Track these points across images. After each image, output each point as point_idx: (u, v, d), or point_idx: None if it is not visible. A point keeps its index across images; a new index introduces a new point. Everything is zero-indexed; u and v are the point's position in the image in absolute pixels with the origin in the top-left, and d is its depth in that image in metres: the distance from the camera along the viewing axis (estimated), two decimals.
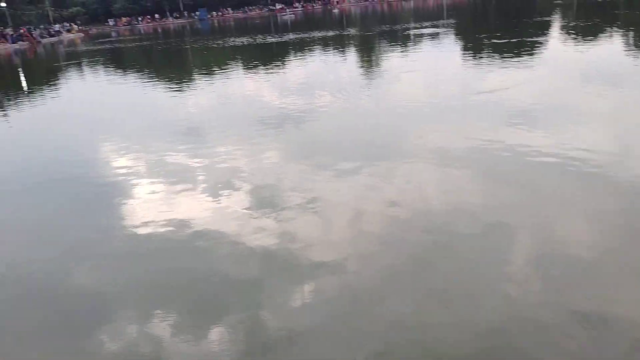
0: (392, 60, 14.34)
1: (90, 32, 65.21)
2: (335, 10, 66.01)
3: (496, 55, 12.73)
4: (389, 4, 72.41)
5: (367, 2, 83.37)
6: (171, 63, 21.72)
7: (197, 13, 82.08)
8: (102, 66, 22.28)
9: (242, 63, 17.95)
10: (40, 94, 15.38)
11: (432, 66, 12.73)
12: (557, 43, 14.88)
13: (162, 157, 6.60)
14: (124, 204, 5.17)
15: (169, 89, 13.49)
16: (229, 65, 17.44)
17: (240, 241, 4.06)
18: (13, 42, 45.36)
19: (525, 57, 11.91)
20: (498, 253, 3.56)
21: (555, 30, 18.61)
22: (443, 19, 29.92)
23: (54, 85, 17.26)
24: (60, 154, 7.51)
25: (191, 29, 53.85)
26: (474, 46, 15.87)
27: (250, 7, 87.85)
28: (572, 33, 16.90)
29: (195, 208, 4.80)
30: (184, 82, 14.54)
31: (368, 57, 16.25)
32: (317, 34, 27.05)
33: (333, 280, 3.41)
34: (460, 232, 3.88)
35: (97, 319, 3.25)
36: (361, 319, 3.00)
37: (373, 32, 26.32)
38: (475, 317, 2.90)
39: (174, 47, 29.93)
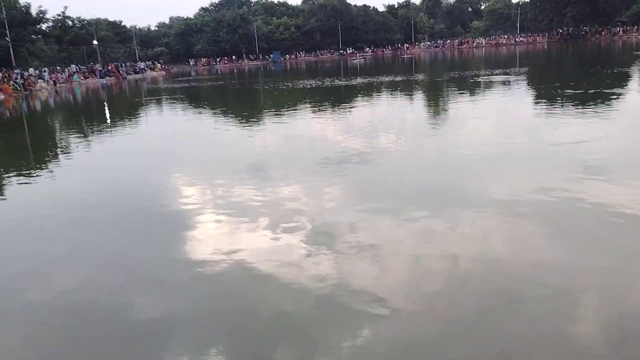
0: (460, 106, 14.21)
1: (171, 70, 69.44)
2: (406, 56, 66.70)
3: (570, 107, 12.31)
4: (459, 51, 72.42)
5: (437, 48, 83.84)
6: (243, 102, 22.62)
7: (272, 56, 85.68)
8: (179, 102, 23.56)
9: (310, 104, 18.40)
10: (121, 125, 16.42)
11: (501, 114, 12.49)
12: (637, 96, 14.21)
13: (227, 191, 6.80)
14: (188, 234, 5.34)
15: (239, 126, 14.01)
16: (297, 106, 17.93)
17: (296, 279, 4.06)
18: (101, 77, 49.06)
19: (602, 110, 11.43)
20: (564, 313, 3.34)
21: (635, 83, 17.81)
22: (515, 67, 29.48)
23: (134, 118, 18.39)
24: (132, 185, 7.92)
25: (264, 71, 56.10)
26: (546, 96, 15.45)
27: (322, 52, 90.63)
28: None
29: (255, 243, 4.88)
30: (254, 120, 15.06)
31: (435, 103, 16.20)
32: (386, 79, 27.38)
33: (387, 328, 3.32)
34: (524, 288, 3.69)
35: (156, 345, 3.33)
36: None
37: (442, 78, 26.31)
38: None
39: (247, 87, 31.21)
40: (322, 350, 3.13)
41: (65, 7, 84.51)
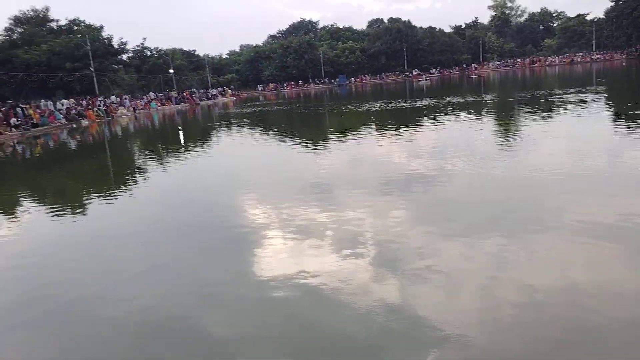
0: (532, 127, 13.70)
1: (241, 96, 71.95)
2: (474, 76, 65.42)
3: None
4: (531, 70, 70.16)
5: (507, 68, 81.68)
6: (309, 125, 22.99)
7: (337, 79, 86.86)
8: (248, 126, 24.31)
9: (375, 126, 18.40)
10: (194, 149, 17.16)
11: (577, 135, 11.91)
12: None
13: (292, 211, 6.90)
14: (256, 255, 5.46)
15: (304, 149, 14.24)
16: (362, 128, 17.98)
17: (361, 301, 4.03)
18: (176, 104, 51.63)
19: None
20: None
21: None
22: (592, 85, 28.12)
23: (206, 142, 19.15)
24: (203, 206, 8.21)
25: (330, 94, 56.85)
26: (627, 115, 14.58)
27: (387, 74, 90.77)
28: None
29: (321, 265, 4.89)
30: (319, 142, 15.25)
31: (505, 124, 15.71)
32: (453, 100, 26.93)
33: (455, 355, 3.21)
34: (606, 317, 3.46)
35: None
36: None
37: (512, 98, 25.53)
38: None
39: (313, 110, 31.73)
40: None
41: (144, 39, 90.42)
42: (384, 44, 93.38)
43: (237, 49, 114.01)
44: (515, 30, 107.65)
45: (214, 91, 68.17)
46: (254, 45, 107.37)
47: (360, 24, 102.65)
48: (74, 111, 36.40)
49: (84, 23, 61.31)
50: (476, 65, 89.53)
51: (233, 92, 74.17)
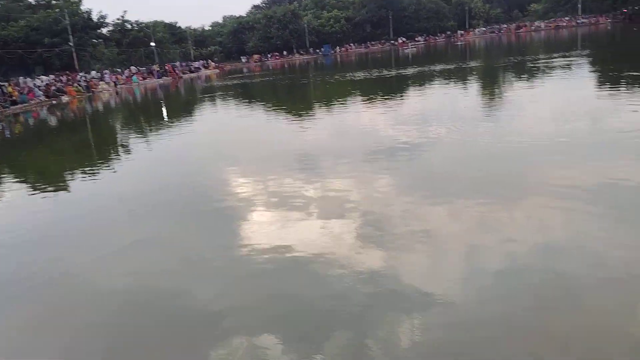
0: (517, 93, 13.69)
1: (224, 68, 70.81)
2: (459, 43, 65.01)
3: (637, 89, 11.59)
4: (517, 35, 69.82)
5: (493, 34, 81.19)
6: (293, 96, 22.78)
7: (322, 49, 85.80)
8: (231, 99, 24.02)
9: (360, 96, 18.28)
10: (177, 123, 16.94)
11: (561, 100, 11.92)
12: None
13: (278, 184, 6.87)
14: (241, 227, 5.44)
15: (289, 120, 14.13)
16: (348, 98, 17.85)
17: (348, 268, 4.05)
18: (158, 77, 50.68)
19: None
20: (626, 303, 3.16)
21: None
22: (577, 50, 28.09)
23: (189, 115, 18.91)
24: (188, 179, 8.14)
25: (315, 64, 56.24)
26: (610, 79, 14.62)
27: (373, 42, 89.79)
28: None
29: (307, 234, 4.90)
30: (304, 113, 15.14)
31: (490, 90, 15.68)
32: (438, 67, 26.78)
33: (441, 317, 3.26)
34: (583, 276, 3.52)
35: (209, 333, 3.41)
36: None
37: (497, 64, 25.45)
38: None
39: (297, 81, 31.40)
40: (372, 338, 3.10)
41: (125, 12, 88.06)
42: (369, 12, 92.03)
43: (220, 21, 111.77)
44: None
45: (197, 64, 67.00)
46: (237, 16, 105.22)
47: None
48: (53, 88, 35.62)
49: None
50: (462, 32, 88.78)
51: (216, 64, 72.99)
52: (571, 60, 21.10)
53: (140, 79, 48.26)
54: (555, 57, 23.36)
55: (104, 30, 65.40)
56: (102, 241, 5.53)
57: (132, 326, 3.72)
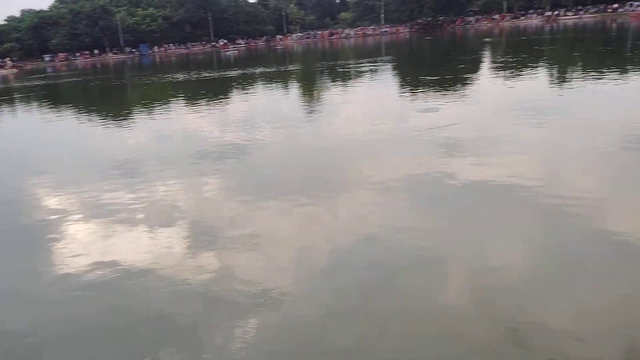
0: (333, 95, 14.65)
1: (25, 68, 62.95)
2: (278, 47, 67.09)
3: (432, 91, 13.26)
4: (330, 42, 74.44)
5: (309, 39, 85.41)
6: (108, 99, 21.22)
7: (138, 48, 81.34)
8: (35, 102, 21.43)
9: (183, 98, 17.79)
10: None
11: (371, 102, 13.09)
12: (489, 78, 15.70)
13: (98, 195, 6.35)
14: (57, 245, 4.90)
15: (105, 125, 13.11)
16: (169, 101, 17.22)
17: (180, 279, 3.92)
18: None
19: (460, 92, 12.50)
20: (435, 280, 3.62)
21: (486, 66, 19.67)
22: (381, 56, 31.06)
23: None
24: None
25: (132, 64, 53.06)
26: (411, 82, 16.49)
27: (193, 44, 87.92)
28: (502, 68, 17.89)
29: (133, 246, 4.62)
30: (121, 117, 14.20)
31: (309, 92, 16.52)
32: (260, 70, 27.32)
33: (273, 317, 3.34)
34: (400, 260, 3.93)
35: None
36: (303, 356, 2.95)
37: (315, 68, 26.89)
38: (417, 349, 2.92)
39: (112, 83, 29.30)
40: (208, 346, 3.07)
41: None
42: (187, 11, 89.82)
43: (18, 14, 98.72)
44: (315, 2, 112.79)
45: None
46: (38, 10, 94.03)
47: None
48: None
49: None
50: (280, 36, 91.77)
51: (14, 63, 64.43)
52: (377, 65, 23.26)
53: None
54: (363, 62, 25.52)
55: None
56: None
57: None
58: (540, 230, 4.28)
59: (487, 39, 39.75)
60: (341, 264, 3.99)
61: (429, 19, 79.61)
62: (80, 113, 16.58)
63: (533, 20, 65.74)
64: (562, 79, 14.03)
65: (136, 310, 3.60)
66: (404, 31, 79.02)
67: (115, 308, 3.65)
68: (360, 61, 27.00)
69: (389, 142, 7.97)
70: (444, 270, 3.80)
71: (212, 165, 7.40)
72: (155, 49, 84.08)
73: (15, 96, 25.24)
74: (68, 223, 5.44)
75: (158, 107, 15.54)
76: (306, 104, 13.64)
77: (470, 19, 78.56)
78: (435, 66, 21.54)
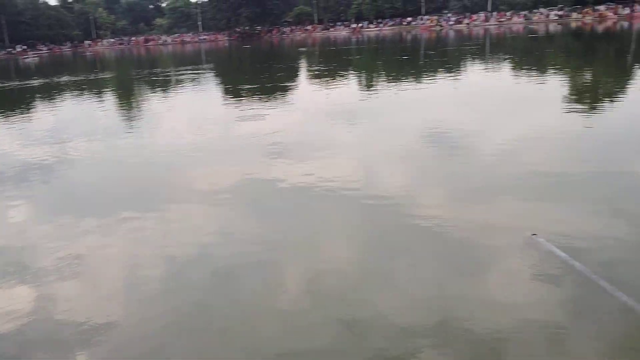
0: (154, 104, 14.06)
1: None
2: (88, 53, 62.03)
3: (255, 99, 13.52)
4: (146, 48, 71.18)
5: (122, 45, 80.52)
6: None
7: None
8: None
9: None
10: None
11: (195, 110, 12.88)
12: (306, 85, 16.57)
13: None
14: None
15: None
16: None
17: None
18: None
19: (281, 99, 12.99)
20: (274, 282, 3.74)
21: (304, 74, 20.73)
22: (202, 64, 30.70)
23: None
24: None
25: None
26: (234, 90, 16.59)
27: None
28: (318, 76, 19.02)
29: None
30: None
31: (127, 102, 15.61)
32: (66, 79, 24.94)
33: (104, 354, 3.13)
34: (237, 267, 3.95)
35: None
36: None
37: (131, 75, 25.47)
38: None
39: None
40: None
41: None
42: None
43: None
44: (126, 7, 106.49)
45: None
46: None
47: None
48: None
49: None
50: (89, 42, 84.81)
51: None
52: (198, 73, 22.95)
53: None
54: (184, 70, 24.96)
55: None
56: None
57: None
58: (363, 225, 4.68)
59: (302, 48, 41.88)
60: (177, 279, 3.88)
61: (246, 27, 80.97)
62: None
63: (341, 32, 70.91)
64: (370, 85, 15.46)
65: None
66: (223, 39, 79.13)
67: None
68: (180, 69, 26.34)
69: (215, 151, 7.94)
70: (280, 272, 3.93)
71: (15, 187, 6.58)
72: None
73: None
74: None
75: None
76: (125, 114, 12.87)
77: (286, 29, 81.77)
78: (256, 74, 21.99)
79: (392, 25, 69.96)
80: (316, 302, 3.44)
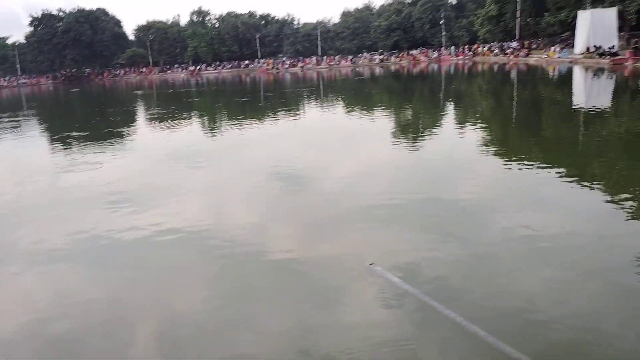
0: None
1: None
2: None
3: (90, 146, 12.65)
4: None
5: None
6: None
7: None
8: None
9: None
10: None
11: (17, 162, 11.62)
12: (145, 129, 15.99)
13: None
14: None
15: None
16: None
17: None
18: None
19: (119, 145, 12.34)
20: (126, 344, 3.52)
21: (142, 118, 19.98)
22: (24, 110, 27.89)
23: None
24: None
25: None
26: (64, 137, 15.28)
27: None
28: (157, 119, 18.47)
29: None
30: None
31: None
32: None
33: None
34: (84, 335, 3.65)
35: None
36: None
37: None
38: None
39: None
40: None
41: None
42: None
43: None
44: None
45: None
46: None
47: None
48: None
49: None
50: None
51: None
52: (20, 121, 20.78)
53: None
54: (4, 118, 22.37)
55: None
56: None
57: None
58: (217, 270, 4.63)
59: (138, 92, 40.38)
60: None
61: (73, 70, 75.80)
62: None
63: (179, 74, 69.95)
64: (212, 128, 15.47)
65: None
66: (46, 82, 72.87)
67: None
68: None
69: (46, 205, 7.22)
70: (131, 329, 3.71)
71: None
72: None
73: None
74: None
75: None
76: None
77: (118, 71, 78.19)
78: (88, 119, 20.58)
79: (231, 67, 71.12)
80: (176, 354, 3.32)
